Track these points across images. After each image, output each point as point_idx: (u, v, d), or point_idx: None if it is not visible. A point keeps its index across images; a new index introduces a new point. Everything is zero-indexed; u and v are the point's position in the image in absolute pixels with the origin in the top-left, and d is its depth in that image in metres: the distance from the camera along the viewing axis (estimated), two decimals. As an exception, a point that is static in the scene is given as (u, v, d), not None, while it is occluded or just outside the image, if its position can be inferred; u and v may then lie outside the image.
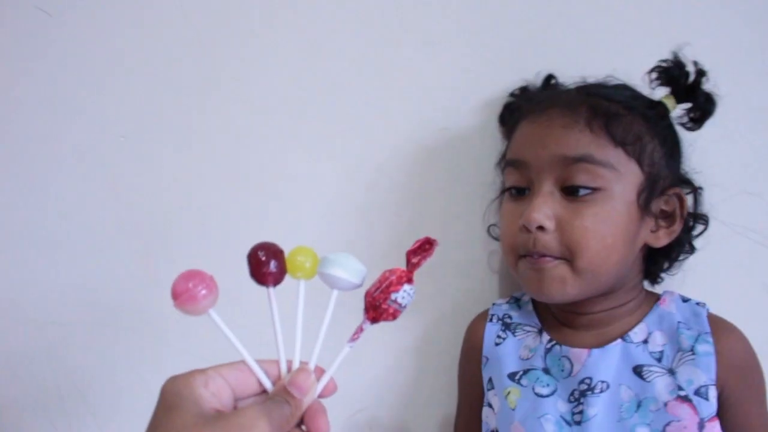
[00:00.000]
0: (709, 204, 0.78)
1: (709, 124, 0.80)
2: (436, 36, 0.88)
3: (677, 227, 0.72)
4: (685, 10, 0.86)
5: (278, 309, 0.52)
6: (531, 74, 0.85)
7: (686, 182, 0.75)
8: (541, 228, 0.68)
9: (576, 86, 0.77)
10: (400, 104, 0.88)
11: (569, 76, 0.81)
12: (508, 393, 0.73)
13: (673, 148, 0.74)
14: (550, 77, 0.83)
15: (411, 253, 0.52)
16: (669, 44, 0.76)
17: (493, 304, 0.83)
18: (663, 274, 0.79)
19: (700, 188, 0.76)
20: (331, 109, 0.89)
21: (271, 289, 0.52)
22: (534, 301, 0.81)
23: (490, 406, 0.77)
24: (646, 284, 0.79)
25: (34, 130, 0.90)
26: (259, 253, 0.52)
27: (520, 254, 0.72)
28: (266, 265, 0.52)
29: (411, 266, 0.52)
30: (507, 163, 0.75)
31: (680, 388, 0.67)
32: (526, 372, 0.74)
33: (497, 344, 0.78)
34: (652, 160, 0.70)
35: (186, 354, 0.88)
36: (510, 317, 0.80)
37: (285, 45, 0.88)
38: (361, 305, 0.52)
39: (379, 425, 0.92)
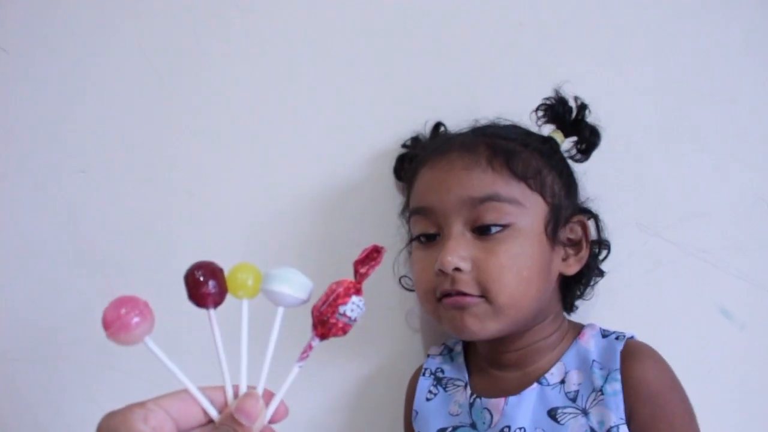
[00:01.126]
0: (662, 226, 0.81)
1: (658, 148, 0.84)
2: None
3: (585, 253, 0.74)
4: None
5: (221, 331, 0.49)
6: (419, 125, 0.85)
7: (585, 211, 0.77)
8: (457, 269, 0.68)
9: (470, 128, 0.78)
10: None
11: (457, 123, 0.81)
12: None
13: (569, 180, 0.76)
14: (438, 125, 0.84)
15: (358, 263, 0.49)
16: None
17: (428, 355, 0.82)
18: (578, 302, 0.79)
19: (596, 215, 0.78)
20: (279, 143, 0.90)
21: (212, 311, 0.49)
22: (465, 351, 0.80)
23: None
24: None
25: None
26: (197, 273, 0.49)
27: (438, 297, 0.71)
28: (204, 285, 0.48)
29: (359, 277, 0.49)
30: (412, 211, 0.75)
31: (593, 430, 0.67)
32: (455, 429, 0.74)
33: (428, 399, 0.78)
34: (553, 191, 0.72)
35: (150, 384, 0.85)
36: (442, 371, 0.79)
37: (240, 78, 0.90)
38: (309, 321, 0.49)
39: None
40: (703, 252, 0.85)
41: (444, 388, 0.78)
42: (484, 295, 0.68)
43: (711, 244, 0.85)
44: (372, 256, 0.49)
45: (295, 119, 0.89)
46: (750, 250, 0.85)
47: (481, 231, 0.69)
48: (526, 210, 0.69)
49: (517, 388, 0.72)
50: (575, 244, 0.74)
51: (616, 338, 0.72)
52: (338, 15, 0.89)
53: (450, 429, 0.74)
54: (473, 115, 0.82)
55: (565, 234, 0.73)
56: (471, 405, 0.74)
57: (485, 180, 0.69)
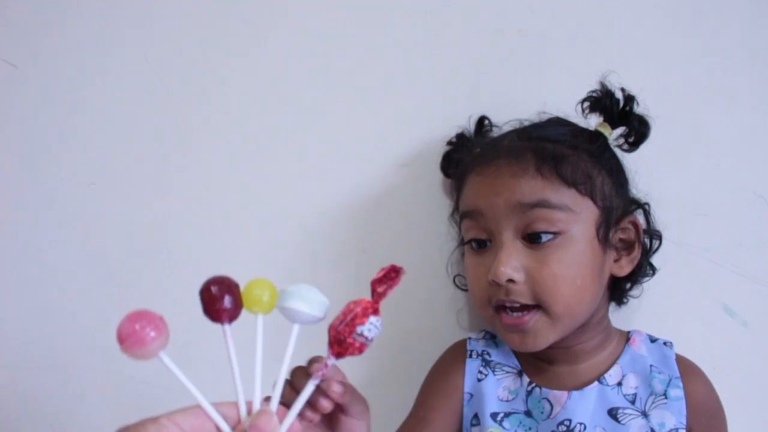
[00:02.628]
0: (663, 226, 0.80)
1: (659, 148, 0.82)
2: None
3: (637, 253, 0.74)
4: (623, 32, 0.88)
5: (236, 347, 0.49)
6: (463, 119, 0.84)
7: (635, 203, 0.77)
8: (510, 281, 0.67)
9: (514, 130, 0.77)
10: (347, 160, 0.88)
11: (503, 114, 0.81)
12: None
13: (619, 176, 0.75)
14: (482, 119, 0.83)
15: (376, 283, 0.48)
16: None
17: (469, 338, 0.81)
18: (627, 296, 0.79)
19: (647, 204, 0.78)
20: (294, 151, 0.88)
21: (227, 326, 0.48)
22: None
23: None
24: (614, 313, 0.80)
25: (3, 178, 0.89)
26: (212, 288, 0.48)
27: (494, 307, 0.71)
28: (220, 300, 0.48)
29: (377, 296, 0.48)
30: (462, 215, 0.74)
31: (653, 431, 0.69)
32: (507, 415, 0.73)
33: (480, 380, 0.76)
34: (604, 193, 0.70)
35: (166, 392, 0.86)
36: (489, 354, 0.78)
37: (255, 84, 0.88)
38: (325, 338, 0.49)
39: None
40: (704, 251, 0.85)
41: (493, 372, 0.77)
42: (539, 305, 0.68)
43: (712, 242, 0.85)
44: (390, 275, 0.48)
45: (303, 128, 0.88)
46: (751, 248, 0.85)
47: (532, 239, 0.68)
48: (576, 216, 0.68)
49: (578, 384, 0.72)
50: (627, 245, 0.74)
51: (664, 344, 0.75)
52: (346, 23, 0.88)
53: (502, 414, 0.73)
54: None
55: (617, 236, 0.72)
56: (528, 393, 0.73)
57: (535, 186, 0.68)
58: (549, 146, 0.70)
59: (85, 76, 0.89)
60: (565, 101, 0.78)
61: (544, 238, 0.67)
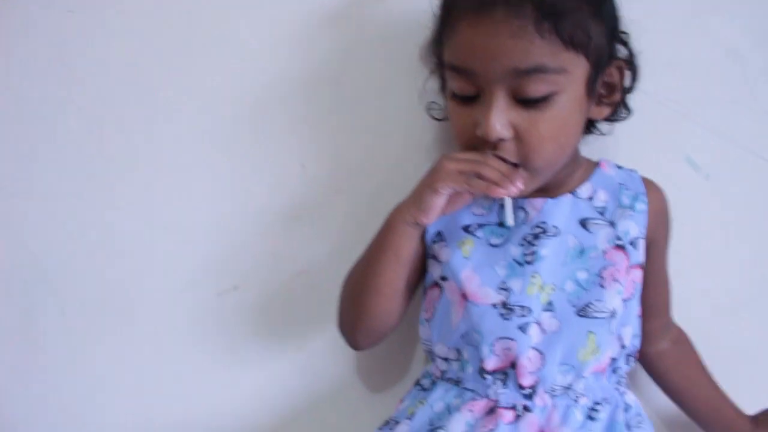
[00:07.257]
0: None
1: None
2: None
3: (617, 96, 0.76)
4: None
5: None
6: None
7: (623, 44, 0.76)
8: (500, 138, 0.69)
9: None
10: None
11: None
12: (463, 243, 0.77)
13: (614, 23, 0.74)
14: None
15: None
16: None
17: None
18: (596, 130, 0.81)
19: (632, 56, 0.77)
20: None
21: None
22: None
23: (434, 258, 0.78)
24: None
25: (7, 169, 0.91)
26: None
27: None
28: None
29: None
30: (450, 67, 0.72)
31: (618, 238, 0.76)
32: (480, 226, 0.78)
33: None
34: (597, 47, 0.70)
35: (174, 382, 0.92)
36: None
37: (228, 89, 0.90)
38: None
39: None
40: (673, 102, 0.87)
41: None
42: (522, 162, 0.70)
43: (681, 94, 0.87)
44: None
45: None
46: (720, 103, 0.87)
47: (524, 99, 0.68)
48: (571, 76, 0.68)
49: (552, 196, 0.77)
50: (610, 88, 0.75)
51: (630, 170, 0.81)
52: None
53: (475, 225, 0.78)
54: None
55: (601, 80, 0.73)
56: (502, 205, 0.76)
57: (532, 50, 0.66)
58: None
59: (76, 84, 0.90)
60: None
61: (535, 99, 0.68)
